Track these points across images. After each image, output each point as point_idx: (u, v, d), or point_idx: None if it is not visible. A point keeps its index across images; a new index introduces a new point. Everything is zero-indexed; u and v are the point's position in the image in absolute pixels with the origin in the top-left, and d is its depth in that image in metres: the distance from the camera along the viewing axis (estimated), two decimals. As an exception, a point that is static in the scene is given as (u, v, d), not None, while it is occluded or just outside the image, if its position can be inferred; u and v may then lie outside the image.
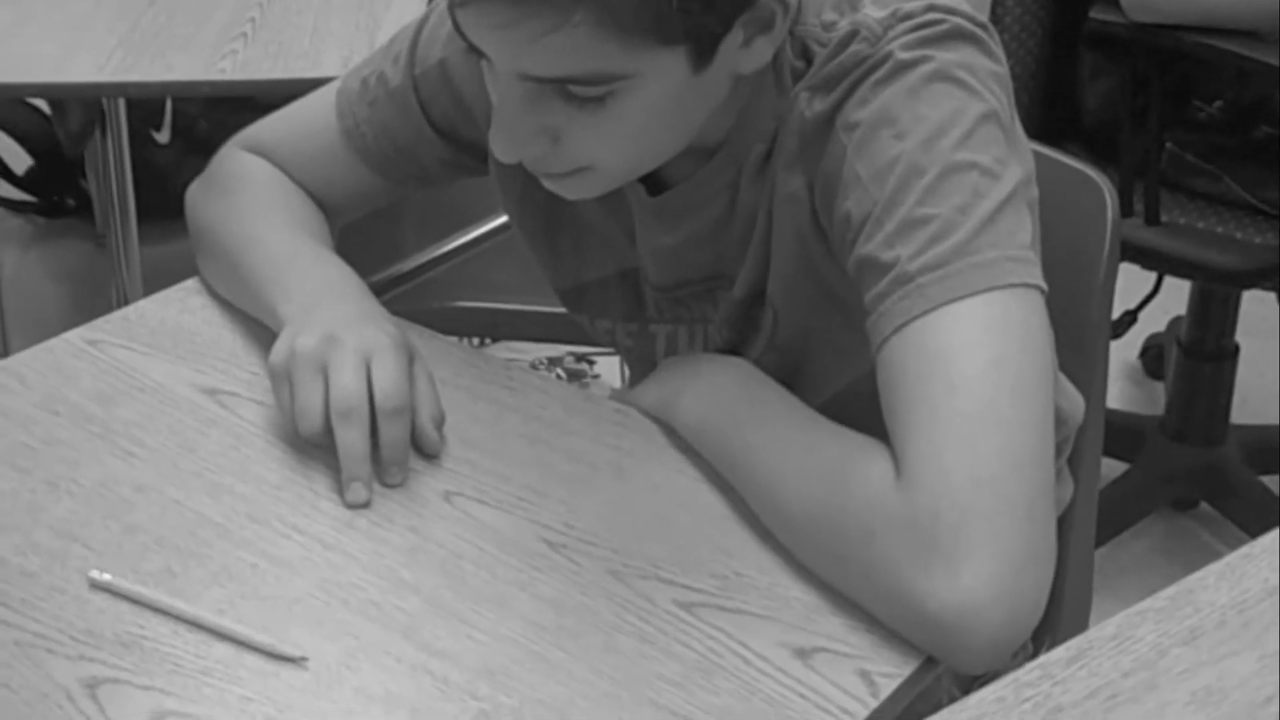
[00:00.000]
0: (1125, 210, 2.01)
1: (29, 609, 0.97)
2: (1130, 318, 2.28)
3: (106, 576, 0.99)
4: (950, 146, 1.00)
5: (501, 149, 1.04)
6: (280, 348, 1.09)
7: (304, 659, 0.94)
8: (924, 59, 1.01)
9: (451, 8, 1.00)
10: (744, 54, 1.03)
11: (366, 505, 1.05)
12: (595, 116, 1.01)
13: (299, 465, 1.09)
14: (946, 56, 1.02)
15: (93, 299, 1.26)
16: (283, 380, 1.08)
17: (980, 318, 0.97)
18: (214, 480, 1.08)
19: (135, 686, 0.92)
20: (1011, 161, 1.02)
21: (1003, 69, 1.05)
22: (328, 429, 1.06)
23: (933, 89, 1.01)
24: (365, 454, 1.06)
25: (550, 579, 1.00)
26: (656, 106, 1.02)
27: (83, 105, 2.27)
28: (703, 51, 1.01)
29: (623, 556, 1.02)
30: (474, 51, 1.02)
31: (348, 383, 1.06)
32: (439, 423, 1.10)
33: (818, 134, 1.05)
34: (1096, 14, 2.01)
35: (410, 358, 1.10)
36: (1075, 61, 2.15)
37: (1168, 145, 2.05)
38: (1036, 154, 1.23)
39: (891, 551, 0.93)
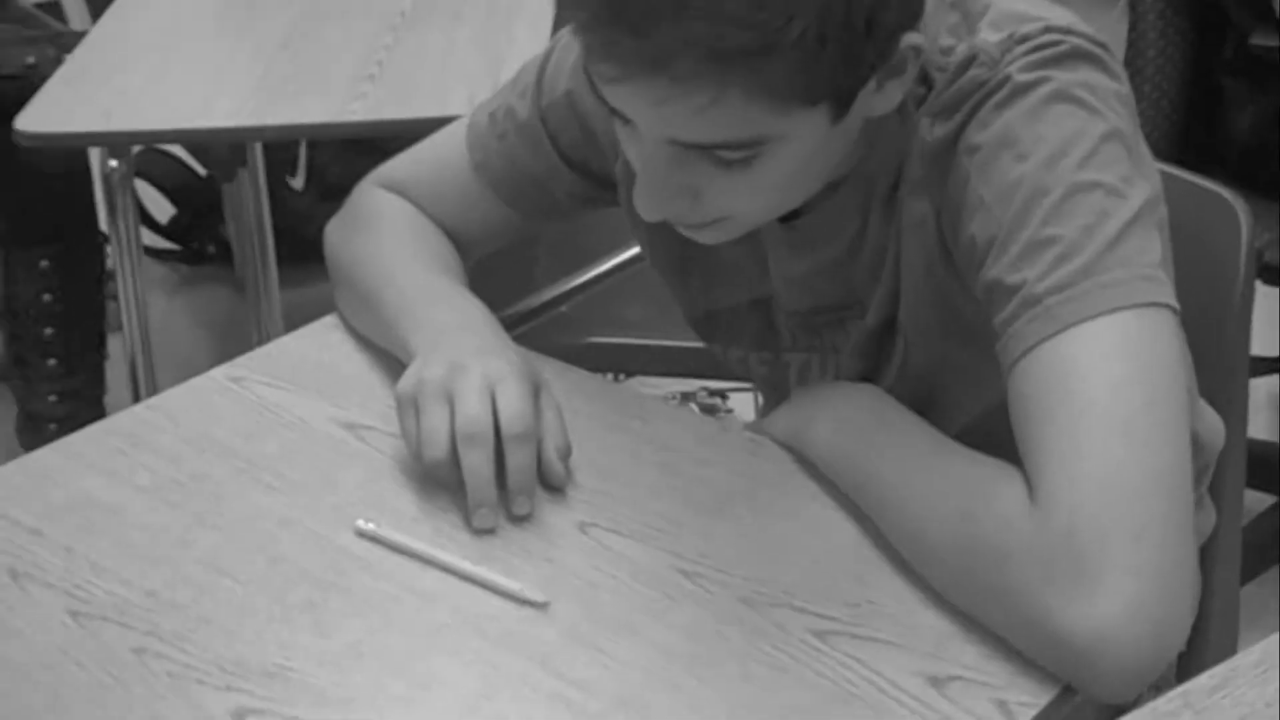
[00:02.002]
0: None
1: (180, 640, 1.00)
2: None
3: (371, 525, 1.06)
4: (1073, 166, 1.00)
5: (645, 209, 1.06)
6: (409, 377, 1.11)
7: (546, 603, 1.00)
8: (1043, 80, 1.02)
9: (594, 79, 1.01)
10: (878, 98, 1.04)
11: (493, 531, 1.07)
12: (739, 175, 1.02)
13: (436, 498, 1.11)
14: (1066, 76, 1.02)
15: (236, 343, 1.30)
16: (409, 408, 1.10)
17: (1110, 337, 0.96)
18: (354, 513, 1.10)
19: (281, 717, 0.94)
20: (1137, 180, 1.01)
21: (1125, 88, 1.05)
22: (453, 457, 1.08)
23: (1053, 109, 1.01)
24: (491, 478, 1.07)
25: (684, 607, 1.01)
26: (797, 160, 1.03)
27: (228, 148, 2.34)
28: (842, 104, 1.02)
29: (756, 585, 1.02)
30: (615, 115, 1.04)
31: (473, 408, 1.08)
32: (565, 454, 1.11)
33: (941, 159, 1.06)
34: (1257, 39, 1.99)
35: (536, 387, 1.11)
36: (1216, 90, 2.13)
37: None
38: (1167, 175, 1.22)
39: (1026, 575, 0.93)
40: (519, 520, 1.09)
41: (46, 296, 2.42)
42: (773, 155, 1.01)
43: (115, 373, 2.46)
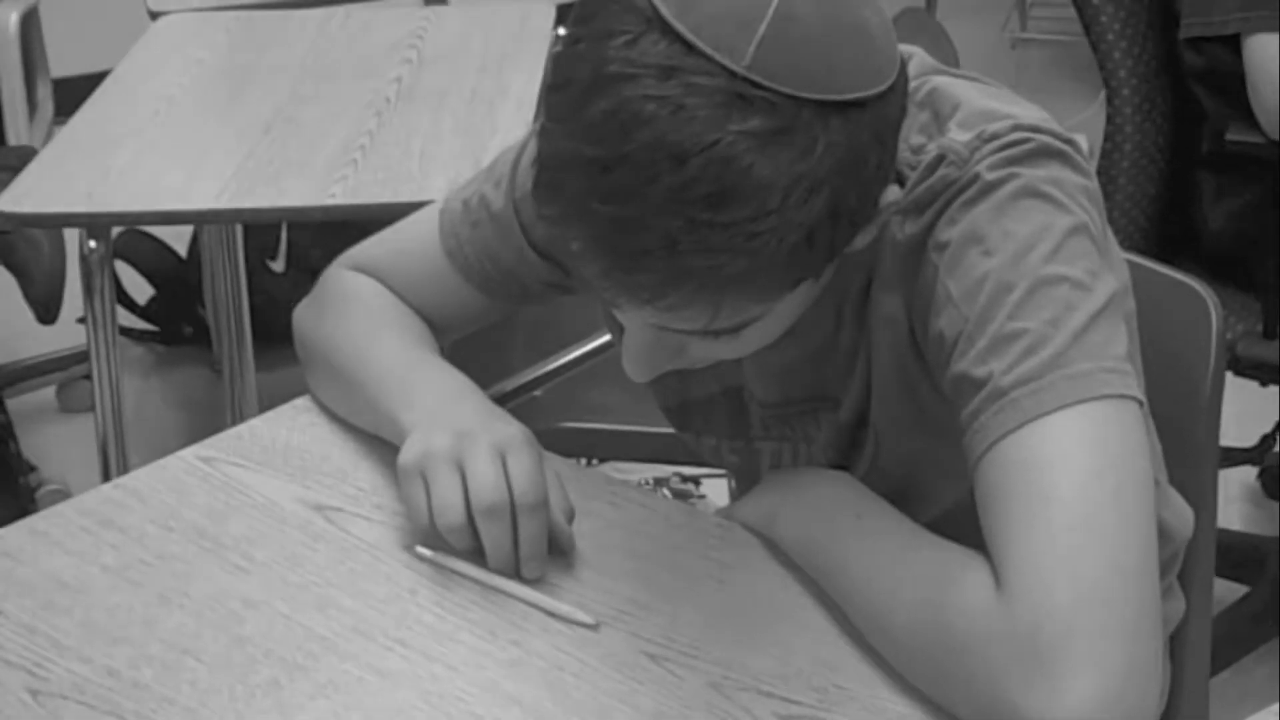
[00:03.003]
0: (1270, 331, 2.00)
1: (140, 720, 1.00)
2: (1270, 442, 2.25)
3: (428, 552, 1.12)
4: (1039, 260, 1.00)
5: (633, 373, 1.06)
6: (412, 446, 1.11)
7: (596, 625, 1.05)
8: (1011, 176, 1.02)
9: (588, 276, 0.99)
10: (857, 240, 1.03)
11: (541, 579, 1.09)
12: (725, 340, 1.04)
13: (403, 579, 1.11)
14: (1033, 173, 1.03)
15: (211, 424, 1.30)
16: (415, 478, 1.10)
17: (1076, 430, 0.97)
18: (321, 594, 1.10)
19: (242, 796, 0.94)
20: (1104, 273, 1.02)
21: (1092, 183, 1.06)
22: (470, 526, 1.08)
23: (1020, 205, 1.02)
24: (512, 550, 1.09)
25: (651, 691, 1.01)
26: (781, 319, 1.05)
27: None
28: (823, 270, 1.03)
29: (723, 669, 1.02)
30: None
31: (489, 477, 1.08)
32: (570, 517, 1.12)
33: (911, 256, 1.06)
34: (1234, 135, 2.02)
35: (540, 453, 1.12)
36: (1192, 183, 2.15)
37: None
38: (1139, 267, 1.23)
39: (992, 665, 0.93)
40: (482, 604, 1.09)
41: None
42: (757, 324, 1.03)
43: (85, 452, 2.45)
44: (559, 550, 1.12)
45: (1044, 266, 1.00)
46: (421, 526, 1.10)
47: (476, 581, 1.10)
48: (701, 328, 1.00)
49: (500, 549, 1.09)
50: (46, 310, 2.48)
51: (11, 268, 2.53)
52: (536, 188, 0.97)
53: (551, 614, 1.07)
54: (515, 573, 1.10)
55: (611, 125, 0.92)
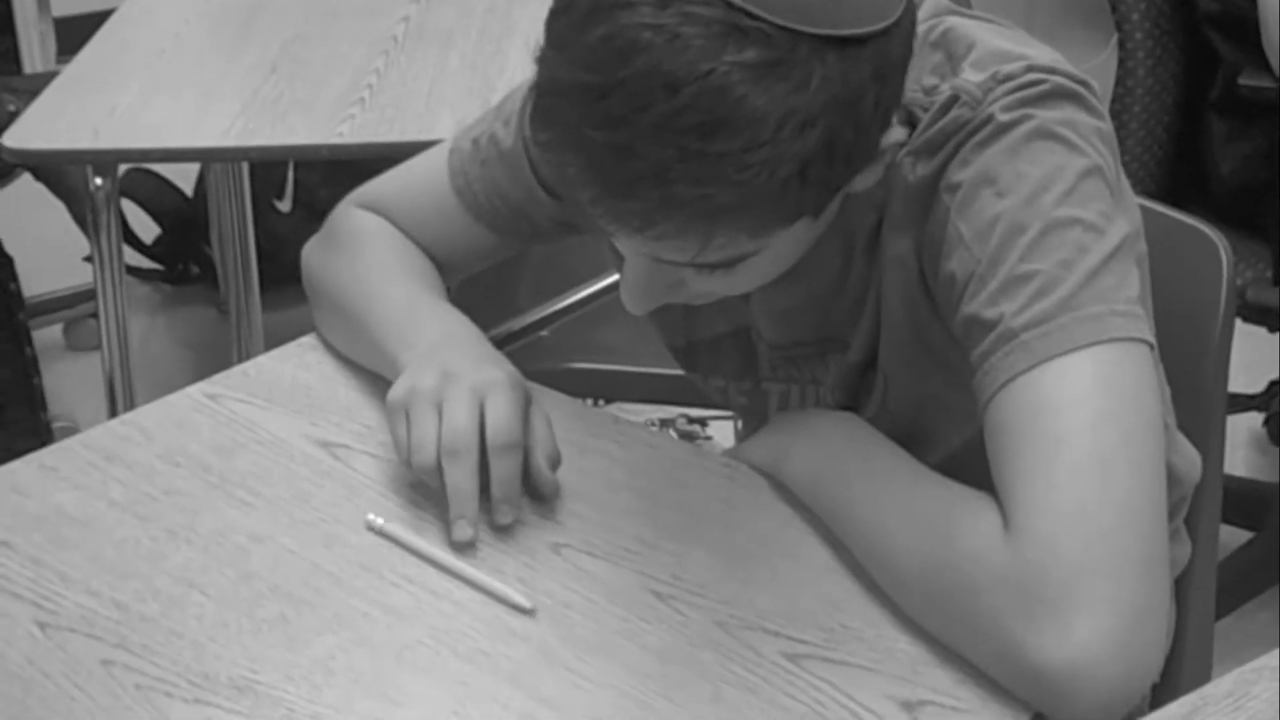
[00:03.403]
0: (1279, 277, 2.00)
1: (148, 653, 1.00)
2: (1276, 388, 2.24)
3: (380, 521, 1.09)
4: (1052, 203, 1.00)
5: (630, 305, 1.06)
6: (400, 384, 1.12)
7: (533, 610, 1.02)
8: (1024, 118, 1.02)
9: (582, 203, 0.99)
10: (857, 182, 1.03)
11: (472, 544, 1.08)
12: (722, 275, 1.03)
13: (410, 516, 1.11)
14: (1047, 114, 1.02)
15: (216, 364, 1.30)
16: (400, 416, 1.10)
17: (1086, 372, 0.97)
18: (328, 530, 1.10)
19: (248, 730, 0.94)
20: (1117, 216, 1.02)
21: (1106, 125, 1.05)
22: (440, 466, 1.08)
23: (1033, 146, 1.01)
24: (472, 492, 1.08)
25: (657, 629, 1.01)
26: (780, 257, 1.05)
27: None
28: (823, 207, 1.02)
29: (729, 608, 1.03)
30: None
31: (459, 419, 1.08)
32: (555, 463, 1.12)
33: (922, 197, 1.06)
34: (1246, 79, 2.01)
35: (527, 398, 1.12)
36: (1204, 128, 2.14)
37: None
38: (1150, 211, 1.23)
39: (999, 606, 0.93)
40: (497, 537, 1.09)
41: None
42: (754, 260, 1.02)
43: (92, 390, 2.45)
44: (541, 496, 1.12)
45: (1057, 208, 1.00)
46: (403, 463, 1.11)
47: (421, 557, 1.08)
48: (691, 259, 1.00)
49: (458, 490, 1.08)
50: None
51: (60, 194, 2.53)
52: (533, 113, 0.98)
53: (492, 595, 1.04)
54: (477, 521, 1.08)
55: (607, 52, 0.92)
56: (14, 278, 2.41)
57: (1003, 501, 0.97)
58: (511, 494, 1.09)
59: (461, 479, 1.08)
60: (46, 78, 2.17)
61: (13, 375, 2.44)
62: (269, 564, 1.08)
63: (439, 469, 1.08)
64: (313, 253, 1.32)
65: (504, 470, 1.09)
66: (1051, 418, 0.96)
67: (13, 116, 2.16)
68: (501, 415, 1.09)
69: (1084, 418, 0.96)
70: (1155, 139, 2.16)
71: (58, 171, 2.48)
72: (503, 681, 0.98)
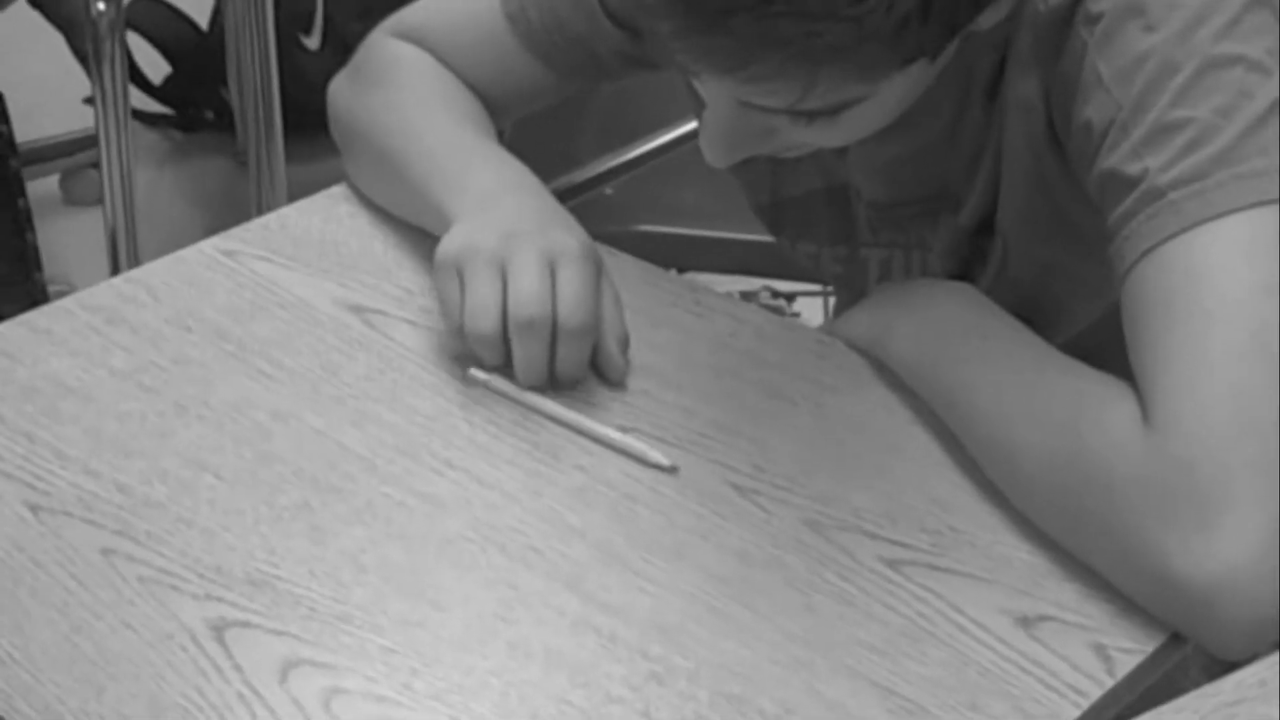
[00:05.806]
0: None
1: (155, 542, 1.00)
2: None
3: (482, 375, 1.11)
4: (1210, 38, 0.98)
5: (710, 156, 1.06)
6: (454, 237, 1.10)
7: (674, 468, 1.04)
8: None
9: (661, 35, 0.97)
10: (984, 15, 1.01)
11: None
12: (821, 125, 1.02)
13: (454, 393, 1.11)
14: None
15: (232, 222, 1.30)
16: (451, 274, 1.09)
17: (1245, 237, 0.95)
18: (359, 408, 1.10)
19: (266, 631, 0.95)
20: (1288, 54, 1.00)
21: None
22: (501, 335, 1.08)
23: None
24: (545, 371, 1.09)
25: (736, 528, 1.01)
26: (888, 106, 1.04)
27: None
28: (943, 47, 1.01)
29: (821, 505, 1.02)
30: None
31: (532, 288, 1.07)
32: (624, 347, 1.12)
33: (1055, 30, 1.05)
34: None
35: (599, 269, 1.11)
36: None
37: None
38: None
39: (1136, 509, 0.92)
40: (547, 423, 1.09)
41: None
42: (859, 108, 1.01)
43: (93, 251, 2.46)
44: (608, 382, 1.12)
45: (1215, 45, 0.98)
46: (452, 329, 1.10)
47: (540, 412, 1.09)
48: (789, 106, 0.98)
49: (533, 370, 1.08)
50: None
51: (58, 23, 2.53)
52: None
53: (629, 454, 1.06)
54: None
55: None
56: (5, 119, 2.41)
57: (1143, 388, 0.95)
58: (578, 379, 1.10)
59: (538, 357, 1.08)
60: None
61: (2, 230, 2.45)
62: (292, 445, 1.07)
63: (501, 339, 1.08)
64: (341, 89, 1.32)
65: (574, 354, 1.09)
66: (1202, 291, 0.95)
67: None
68: (575, 291, 1.08)
69: (1241, 290, 0.94)
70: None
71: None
72: (557, 584, 0.98)
